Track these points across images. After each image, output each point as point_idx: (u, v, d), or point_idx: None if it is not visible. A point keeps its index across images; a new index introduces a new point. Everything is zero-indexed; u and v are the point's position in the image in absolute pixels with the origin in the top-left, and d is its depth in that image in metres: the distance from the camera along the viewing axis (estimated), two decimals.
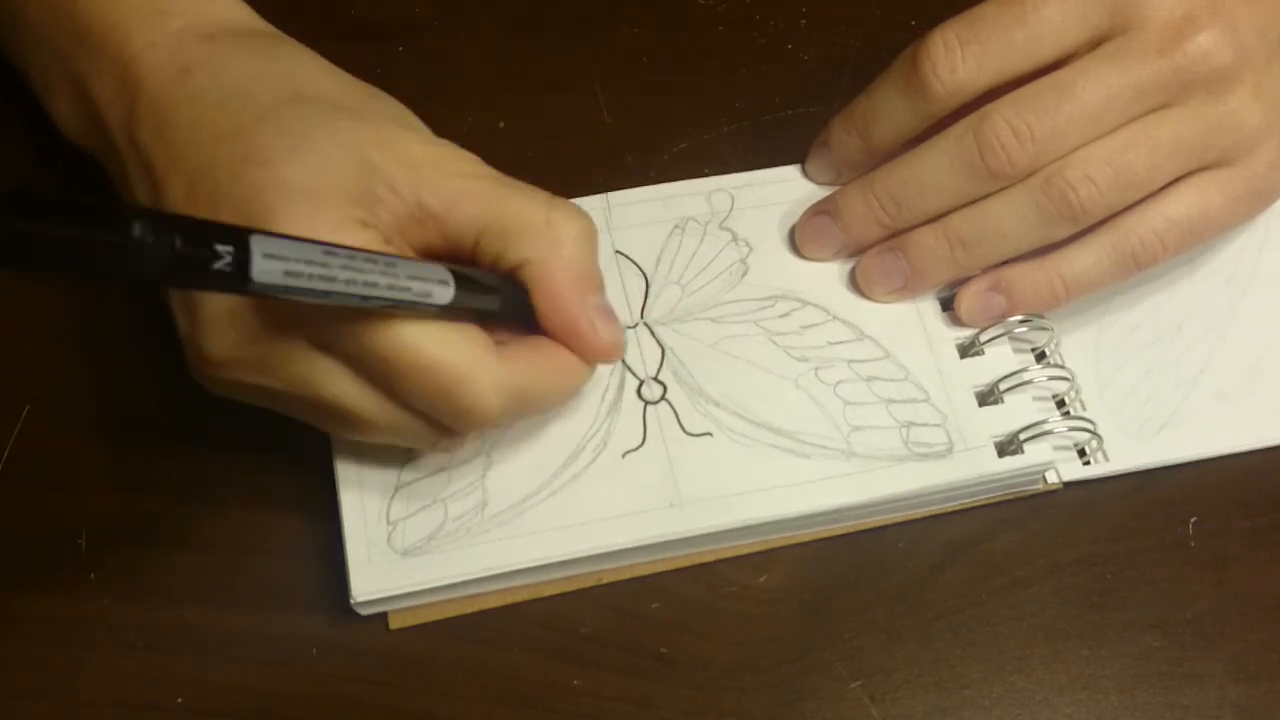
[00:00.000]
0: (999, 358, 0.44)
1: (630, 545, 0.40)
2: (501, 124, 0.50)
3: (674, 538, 0.40)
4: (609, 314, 0.38)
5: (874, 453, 0.42)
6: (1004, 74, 0.41)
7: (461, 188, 0.36)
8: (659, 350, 0.44)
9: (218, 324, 0.35)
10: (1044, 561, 0.42)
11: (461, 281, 0.34)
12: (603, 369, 0.43)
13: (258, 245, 0.28)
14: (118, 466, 0.43)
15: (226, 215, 0.34)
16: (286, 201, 0.34)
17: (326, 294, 0.30)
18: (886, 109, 0.43)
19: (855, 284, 0.45)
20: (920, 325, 0.44)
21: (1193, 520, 0.43)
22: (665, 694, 0.40)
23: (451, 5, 0.52)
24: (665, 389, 0.43)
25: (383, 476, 0.40)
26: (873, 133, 0.44)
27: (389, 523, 0.40)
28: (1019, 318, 0.44)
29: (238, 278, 0.27)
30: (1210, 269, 0.47)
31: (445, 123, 0.50)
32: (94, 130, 0.40)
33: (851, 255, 0.45)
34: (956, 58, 0.41)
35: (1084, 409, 0.44)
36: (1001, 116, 0.41)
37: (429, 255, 0.36)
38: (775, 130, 0.49)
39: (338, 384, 0.35)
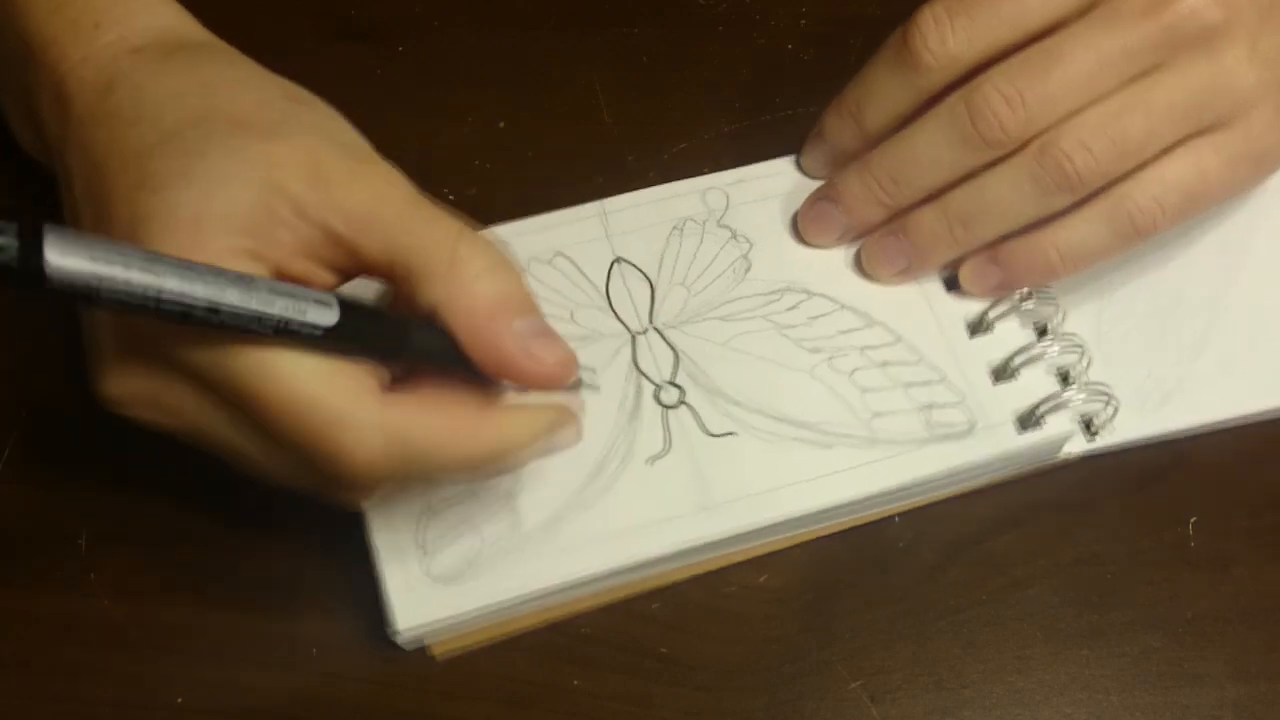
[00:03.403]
0: (1008, 333, 0.44)
1: (668, 552, 0.40)
2: (501, 124, 0.50)
3: (710, 540, 0.40)
4: (545, 333, 0.35)
5: (897, 437, 0.42)
6: (994, 45, 0.41)
7: (369, 213, 0.34)
8: (671, 353, 0.43)
9: (110, 364, 0.34)
10: (1044, 561, 0.42)
11: (355, 310, 0.32)
12: (615, 380, 0.43)
13: (52, 235, 0.27)
14: (118, 466, 0.43)
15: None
16: (168, 230, 0.32)
17: (155, 299, 0.29)
18: (879, 89, 0.43)
19: (859, 269, 0.45)
20: (928, 307, 0.44)
21: (1193, 520, 0.43)
22: (665, 694, 0.40)
23: (451, 5, 0.52)
24: (683, 392, 0.43)
25: (411, 503, 0.40)
26: (866, 115, 0.44)
27: (425, 551, 0.39)
28: (1024, 292, 0.44)
29: (24, 273, 0.27)
30: (1205, 240, 0.47)
31: (445, 123, 0.50)
32: (43, 146, 0.39)
33: (855, 239, 0.45)
34: (946, 30, 0.41)
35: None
36: (992, 84, 0.41)
37: (348, 278, 0.35)
38: (775, 130, 0.49)
39: (222, 425, 0.34)
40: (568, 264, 0.45)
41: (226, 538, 0.42)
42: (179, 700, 0.39)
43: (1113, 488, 0.44)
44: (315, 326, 0.32)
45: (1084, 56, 0.40)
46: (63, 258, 0.28)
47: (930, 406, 0.42)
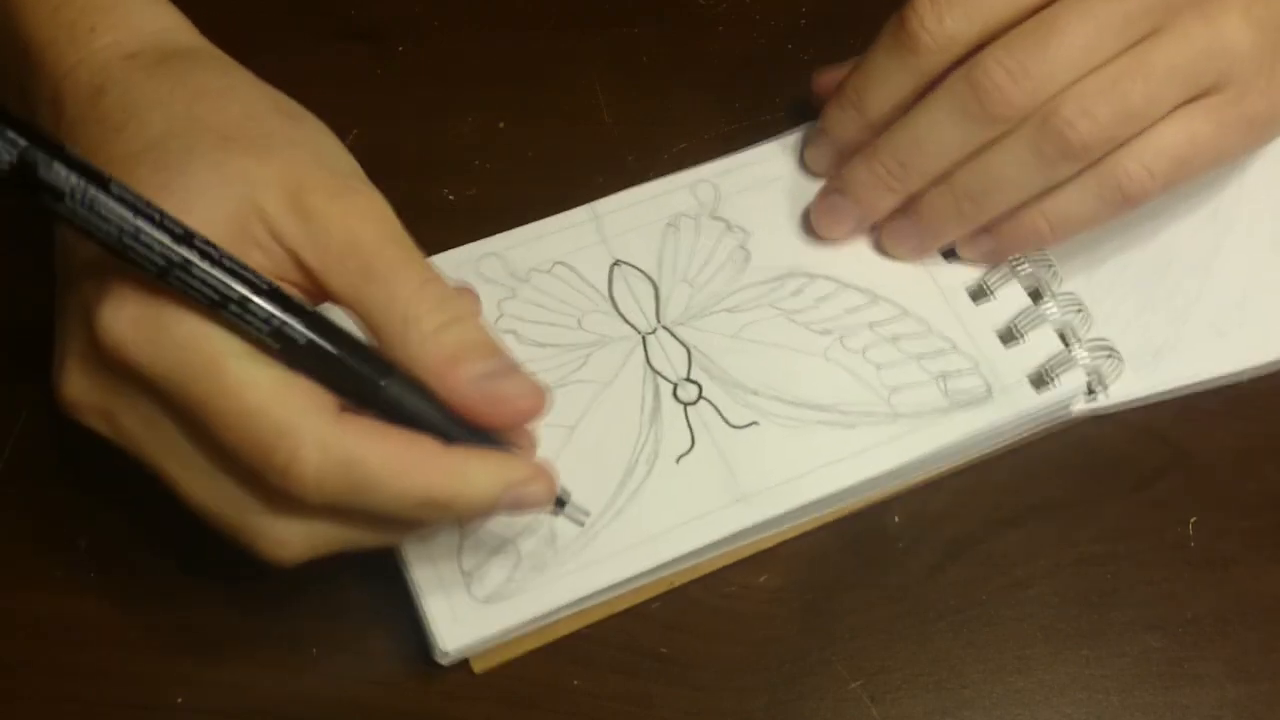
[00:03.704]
0: (1010, 297, 0.44)
1: (703, 546, 0.40)
2: (501, 124, 0.50)
3: (747, 528, 0.40)
4: (506, 373, 0.34)
5: (917, 410, 0.42)
6: (991, 22, 0.41)
7: (340, 249, 0.34)
8: (684, 351, 0.44)
9: (70, 369, 0.34)
10: (1044, 561, 0.42)
11: (337, 331, 0.33)
12: (632, 383, 0.43)
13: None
14: (118, 466, 0.42)
15: (92, 249, 0.33)
16: None
17: (156, 218, 0.31)
18: (879, 75, 0.43)
19: (860, 249, 0.46)
20: (929, 278, 0.45)
21: (1193, 520, 0.43)
22: (665, 694, 0.40)
23: (451, 5, 0.53)
24: (701, 388, 0.43)
25: (446, 529, 0.40)
26: (868, 103, 0.43)
27: (463, 571, 0.39)
28: (1020, 257, 0.44)
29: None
30: (1197, 202, 0.48)
31: (445, 123, 0.50)
32: None
33: (870, 228, 0.46)
34: (943, 9, 0.41)
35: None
36: (993, 59, 0.40)
37: (318, 304, 0.35)
38: (775, 130, 0.49)
39: (168, 441, 0.34)
40: (568, 271, 0.45)
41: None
42: (179, 700, 0.39)
43: (1113, 488, 0.44)
44: (308, 303, 0.33)
45: (1082, 24, 0.40)
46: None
47: (945, 375, 0.43)
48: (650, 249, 0.45)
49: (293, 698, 0.40)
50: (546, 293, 0.44)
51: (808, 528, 0.42)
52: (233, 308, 0.32)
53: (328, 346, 0.33)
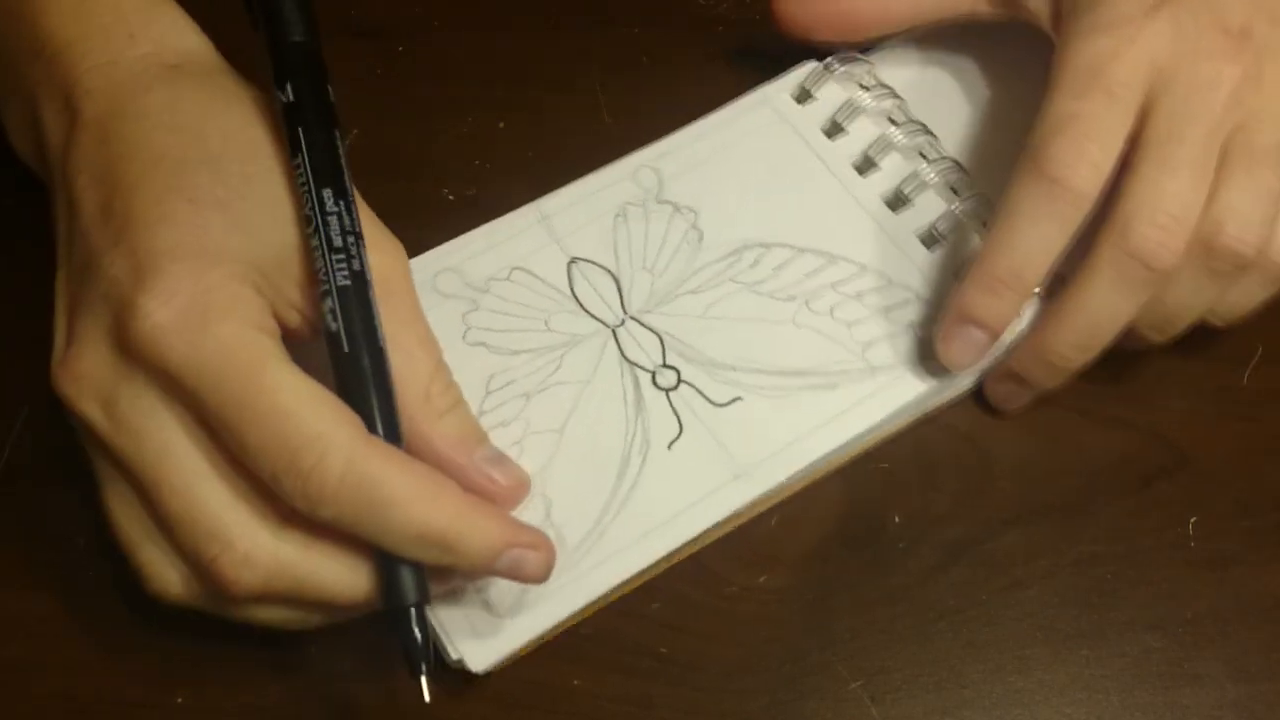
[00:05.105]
0: (962, 240, 0.45)
1: (711, 525, 0.41)
2: (501, 124, 0.50)
3: (749, 503, 0.41)
4: (500, 460, 0.38)
5: (894, 360, 0.43)
6: (1121, 137, 0.40)
7: (379, 297, 0.36)
8: (655, 338, 0.44)
9: (83, 343, 0.34)
10: (1044, 561, 0.42)
11: (381, 362, 0.35)
12: (610, 377, 0.43)
13: None
14: None
15: (132, 233, 0.34)
16: (189, 238, 0.34)
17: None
18: (1034, 241, 0.40)
19: (809, 213, 0.46)
20: (880, 231, 0.46)
21: (1193, 520, 0.43)
22: (665, 694, 0.40)
23: (451, 5, 0.53)
24: (679, 372, 0.43)
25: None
26: (1029, 276, 0.41)
27: (478, 589, 0.39)
28: (964, 194, 0.45)
29: None
30: None
31: (445, 123, 0.50)
32: (36, 148, 0.39)
33: None
34: (1081, 143, 0.40)
35: None
36: (1141, 221, 0.39)
37: None
38: None
39: (167, 440, 0.34)
40: (526, 276, 0.45)
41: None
42: (179, 700, 0.39)
43: (1113, 488, 0.44)
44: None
45: (1181, 147, 0.40)
46: None
47: (914, 323, 0.44)
48: (604, 242, 0.45)
49: (292, 698, 0.40)
50: (509, 300, 0.44)
51: (815, 477, 0.43)
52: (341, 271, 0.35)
53: (369, 376, 0.35)
